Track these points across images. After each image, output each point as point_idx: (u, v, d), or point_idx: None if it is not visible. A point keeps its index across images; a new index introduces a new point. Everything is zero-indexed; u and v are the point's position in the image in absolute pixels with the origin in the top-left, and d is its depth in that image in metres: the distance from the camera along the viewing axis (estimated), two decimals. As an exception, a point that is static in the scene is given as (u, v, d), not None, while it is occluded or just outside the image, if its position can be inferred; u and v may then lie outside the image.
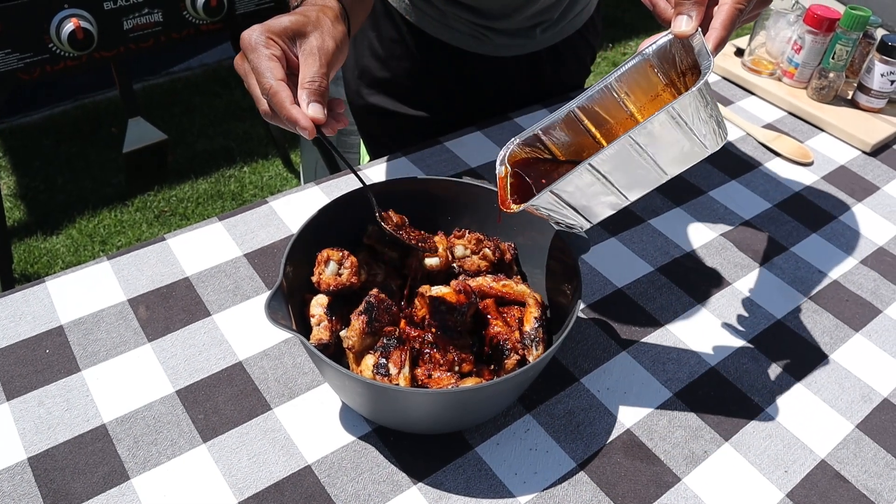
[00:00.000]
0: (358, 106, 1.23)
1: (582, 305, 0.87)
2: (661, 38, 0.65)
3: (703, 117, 0.58)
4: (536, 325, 0.70)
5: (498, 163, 0.69)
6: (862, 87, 1.30)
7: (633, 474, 0.70)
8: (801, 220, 1.06)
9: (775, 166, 1.17)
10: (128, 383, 0.74)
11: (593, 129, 0.69)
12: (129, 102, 1.64)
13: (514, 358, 0.69)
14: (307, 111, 0.63)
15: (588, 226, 0.66)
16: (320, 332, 0.70)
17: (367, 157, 1.33)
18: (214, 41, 3.18)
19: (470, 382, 0.66)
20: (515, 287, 0.75)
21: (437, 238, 0.78)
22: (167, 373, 0.76)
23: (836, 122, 1.26)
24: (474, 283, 0.75)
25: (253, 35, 0.65)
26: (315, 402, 0.74)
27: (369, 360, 0.68)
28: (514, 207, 0.64)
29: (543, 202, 0.62)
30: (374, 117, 1.22)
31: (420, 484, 0.68)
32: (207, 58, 3.20)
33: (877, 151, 1.24)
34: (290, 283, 0.70)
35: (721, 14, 0.61)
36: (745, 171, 1.15)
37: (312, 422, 0.72)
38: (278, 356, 0.78)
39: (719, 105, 0.62)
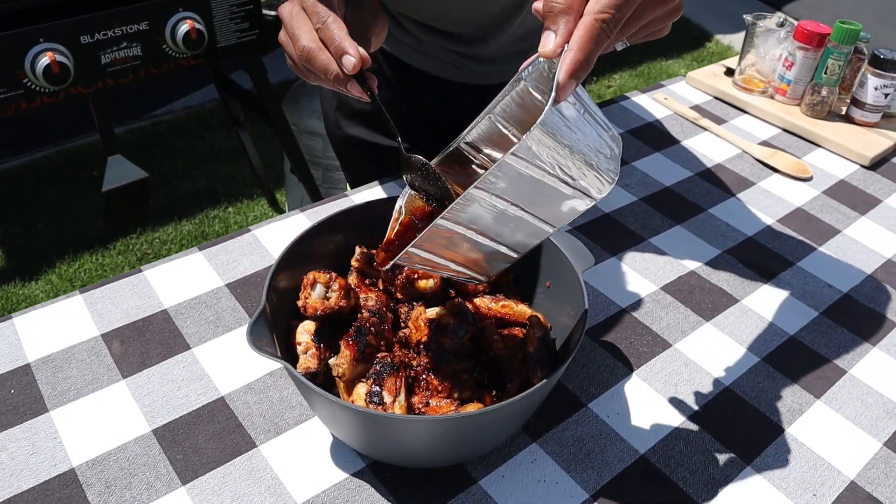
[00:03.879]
0: (337, 138, 1.19)
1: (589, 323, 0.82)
2: (537, 58, 0.57)
3: (562, 161, 0.49)
4: (541, 346, 0.65)
5: (395, 208, 0.64)
6: (856, 102, 1.28)
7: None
8: (805, 235, 1.02)
9: (774, 182, 1.14)
10: (100, 423, 0.68)
11: (488, 166, 0.63)
12: (108, 140, 1.59)
13: (518, 382, 0.64)
14: (357, 50, 0.60)
15: (484, 280, 0.60)
16: (308, 361, 0.64)
17: None
18: (196, 83, 3.16)
19: (471, 409, 0.61)
20: (516, 307, 0.71)
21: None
22: (143, 411, 0.70)
23: (833, 136, 1.24)
24: (471, 304, 0.70)
25: None
26: (304, 437, 0.68)
27: (361, 389, 0.62)
28: (384, 266, 0.59)
29: (412, 259, 0.56)
30: (355, 149, 1.18)
31: (420, 523, 0.62)
32: (190, 101, 3.18)
33: (875, 165, 1.22)
34: (274, 309, 0.65)
35: (578, 30, 0.49)
36: (744, 188, 1.12)
37: (301, 459, 0.67)
38: (263, 390, 0.73)
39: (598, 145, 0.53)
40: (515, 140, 0.61)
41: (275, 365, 0.75)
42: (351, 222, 0.74)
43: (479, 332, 0.68)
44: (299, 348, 0.65)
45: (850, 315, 0.89)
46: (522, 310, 0.70)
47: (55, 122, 2.79)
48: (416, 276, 0.71)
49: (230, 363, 0.75)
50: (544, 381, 0.58)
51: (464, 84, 1.10)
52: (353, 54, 0.60)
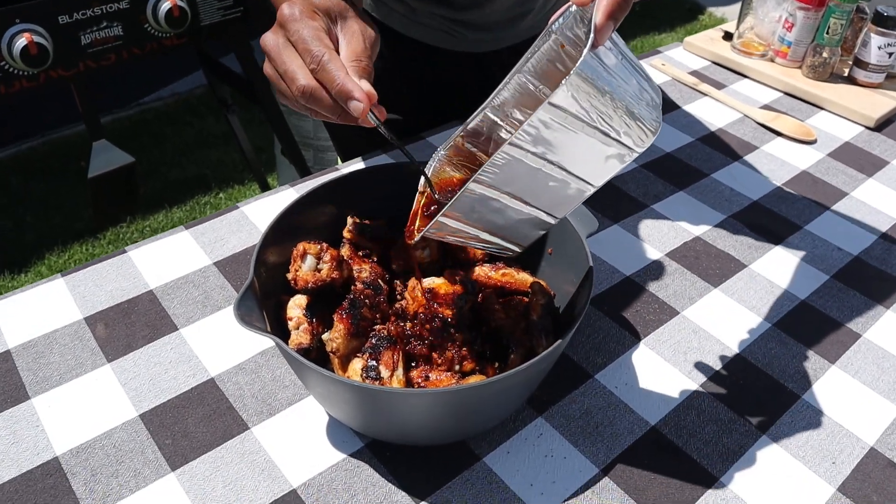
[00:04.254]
0: None
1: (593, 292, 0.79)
2: (567, 8, 0.54)
3: (603, 109, 0.46)
4: (544, 314, 0.62)
5: (420, 182, 0.61)
6: (859, 63, 1.25)
7: (663, 477, 0.62)
8: (811, 199, 0.99)
9: (777, 146, 1.11)
10: (84, 410, 0.65)
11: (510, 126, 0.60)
12: (92, 125, 1.55)
13: (522, 352, 0.61)
14: (360, 84, 0.56)
15: (518, 250, 0.57)
16: (300, 336, 0.61)
17: None
18: (183, 68, 3.11)
19: (475, 380, 0.58)
20: (517, 275, 0.67)
21: (425, 227, 0.70)
22: (129, 395, 0.67)
23: (836, 98, 1.20)
24: (471, 273, 0.67)
25: (294, 8, 0.58)
26: (298, 417, 0.65)
27: (357, 364, 0.59)
28: (414, 237, 0.55)
29: (442, 228, 0.52)
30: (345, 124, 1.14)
31: (423, 503, 0.59)
32: (178, 87, 3.13)
33: (880, 127, 1.18)
34: (263, 283, 0.62)
35: None
36: (747, 152, 1.09)
37: (296, 440, 0.63)
38: (255, 370, 0.69)
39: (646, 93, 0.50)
40: (543, 98, 0.57)
41: (266, 344, 0.72)
42: (342, 192, 0.71)
43: (480, 301, 0.65)
44: (290, 324, 0.62)
45: (862, 278, 0.86)
46: (524, 278, 0.67)
47: (41, 112, 2.74)
48: (412, 245, 0.68)
49: (220, 343, 0.72)
50: (550, 348, 0.54)
51: (458, 53, 1.06)
52: (360, 98, 0.55)
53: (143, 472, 0.61)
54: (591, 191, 0.51)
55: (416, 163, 0.60)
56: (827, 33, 1.22)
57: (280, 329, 0.64)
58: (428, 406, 0.54)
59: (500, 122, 0.61)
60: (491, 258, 0.70)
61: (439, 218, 0.51)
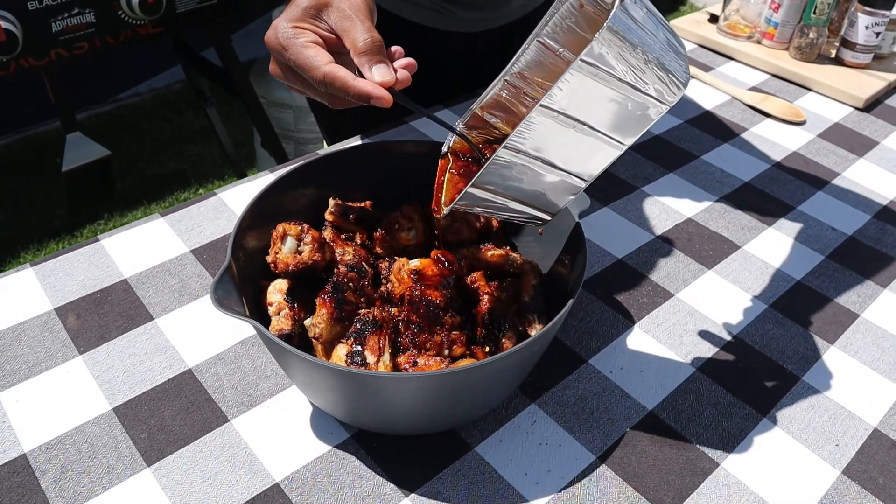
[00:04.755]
0: None
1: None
2: None
3: (635, 63, 0.46)
4: (536, 294, 0.59)
5: (441, 153, 0.59)
6: (846, 43, 1.23)
7: (663, 463, 0.60)
8: (803, 179, 0.98)
9: (766, 127, 1.09)
10: (54, 404, 0.62)
11: (536, 94, 0.58)
12: (66, 117, 1.51)
13: (513, 335, 0.58)
14: (374, 77, 0.56)
15: (548, 218, 0.55)
16: (281, 322, 0.58)
17: None
18: (161, 63, 3.05)
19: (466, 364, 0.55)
20: (507, 256, 0.65)
21: (410, 208, 0.67)
22: (102, 388, 0.63)
23: (825, 79, 1.19)
24: (459, 254, 0.64)
25: (278, 33, 0.58)
26: (280, 408, 0.62)
27: (341, 351, 0.56)
28: (442, 211, 0.54)
29: (472, 199, 0.51)
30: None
31: (413, 495, 0.56)
32: (155, 83, 3.07)
33: (868, 107, 1.17)
34: (241, 268, 0.59)
35: None
36: (736, 133, 1.07)
37: (278, 432, 0.60)
38: (234, 360, 0.66)
39: (675, 47, 0.49)
40: (568, 62, 0.56)
41: (246, 332, 0.69)
42: (324, 172, 0.68)
43: (469, 284, 0.62)
44: (271, 309, 0.59)
45: (857, 258, 0.84)
46: (514, 258, 0.64)
47: (14, 107, 2.67)
48: (396, 226, 0.65)
49: (197, 333, 0.69)
50: (545, 328, 0.52)
51: (448, 33, 1.03)
52: (378, 95, 0.55)
53: (116, 467, 0.57)
54: (622, 150, 0.51)
55: (450, 127, 0.59)
56: (814, 13, 1.20)
57: (260, 315, 0.61)
58: (417, 391, 0.52)
59: (521, 88, 0.59)
60: (480, 238, 0.67)
61: (469, 189, 0.50)
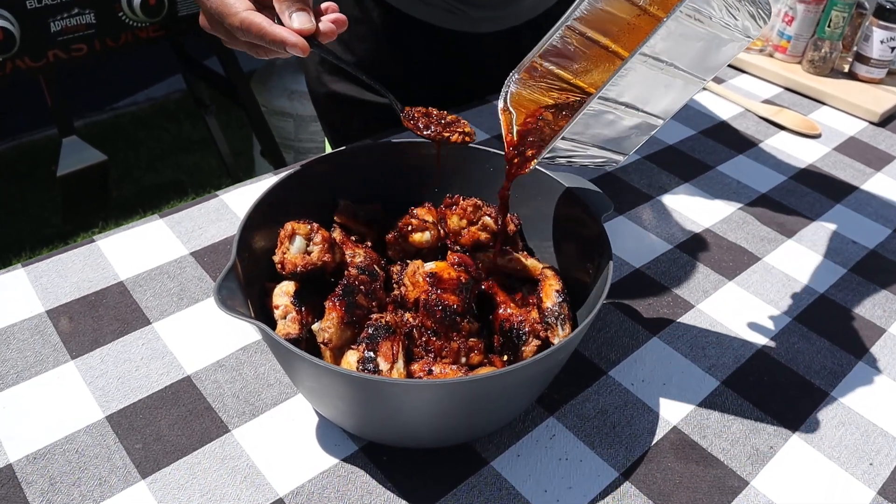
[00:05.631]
0: (320, 95, 1.09)
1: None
2: None
3: (731, 1, 0.47)
4: (560, 300, 0.56)
5: (500, 107, 0.56)
6: (860, 58, 1.22)
7: (689, 481, 0.56)
8: (820, 192, 0.95)
9: (781, 140, 1.07)
10: (44, 411, 0.58)
11: (602, 39, 0.57)
12: (63, 120, 1.48)
13: (535, 343, 0.55)
14: (292, 24, 0.56)
15: (623, 160, 0.55)
16: (287, 326, 0.55)
17: None
18: (160, 72, 3.02)
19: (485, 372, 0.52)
20: (524, 261, 0.62)
21: (423, 210, 0.64)
22: (95, 395, 0.60)
23: (839, 93, 1.17)
24: (476, 258, 0.61)
25: None
26: (284, 418, 0.59)
27: (352, 357, 0.53)
28: (529, 166, 0.52)
29: (558, 151, 0.51)
30: (338, 107, 1.08)
31: (425, 512, 0.53)
32: (154, 92, 3.05)
33: (883, 122, 1.15)
34: (246, 268, 0.55)
35: None
36: (751, 145, 1.04)
37: (282, 444, 0.57)
38: (236, 366, 0.63)
39: None
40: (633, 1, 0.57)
41: (248, 338, 0.65)
42: (333, 172, 0.65)
43: (485, 289, 0.59)
44: (277, 313, 0.56)
45: (880, 271, 0.81)
46: (532, 263, 0.61)
47: (10, 115, 2.64)
48: (409, 228, 0.62)
49: (197, 338, 0.65)
50: (571, 334, 0.49)
51: (460, 33, 1.01)
52: (294, 41, 0.55)
53: (109, 479, 0.54)
54: (701, 87, 0.53)
55: (398, 106, 0.60)
56: (828, 27, 1.18)
57: (265, 319, 0.58)
58: (434, 402, 0.48)
59: (584, 33, 0.58)
60: (494, 243, 0.64)
61: (557, 143, 0.51)
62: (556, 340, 0.55)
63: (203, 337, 0.65)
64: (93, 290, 0.69)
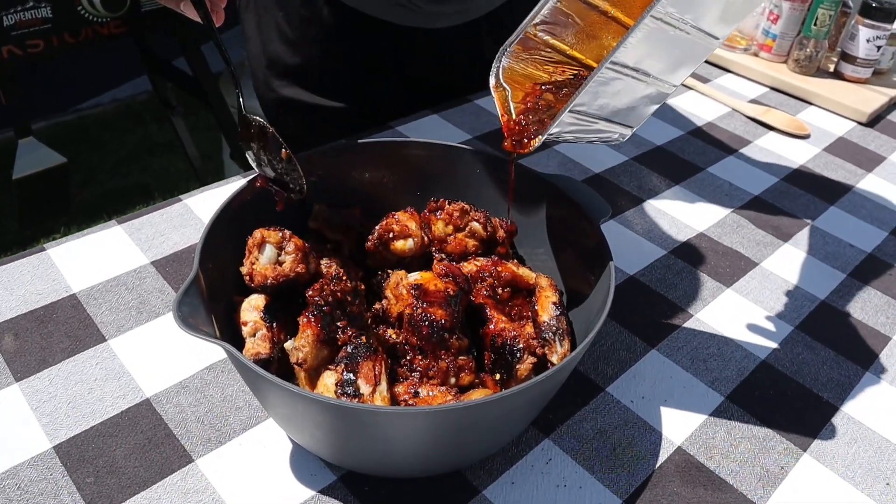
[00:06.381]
0: (269, 100, 1.02)
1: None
2: None
3: None
4: (557, 314, 0.51)
5: (492, 83, 0.52)
6: (846, 57, 1.19)
7: (698, 508, 0.52)
8: (814, 194, 0.92)
9: (771, 140, 1.04)
10: (-18, 441, 0.52)
11: (601, 4, 0.53)
12: (19, 121, 1.40)
13: (530, 360, 0.50)
14: None
15: (630, 133, 0.52)
16: (257, 345, 0.49)
17: None
18: (125, 73, 2.93)
19: (478, 395, 0.47)
20: (517, 270, 0.57)
21: (405, 215, 0.59)
22: (42, 422, 0.54)
23: (826, 93, 1.14)
24: (463, 269, 0.56)
25: None
26: (254, 445, 0.53)
27: (329, 379, 0.48)
28: (534, 142, 0.47)
29: (564, 126, 0.47)
30: (289, 113, 1.01)
31: (411, 548, 0.48)
32: (119, 93, 2.96)
33: (871, 122, 1.12)
34: (210, 280, 0.50)
35: None
36: (741, 146, 1.01)
37: (252, 474, 0.51)
38: (201, 388, 0.57)
39: None
40: None
41: (215, 357, 0.60)
42: (307, 174, 0.59)
43: (475, 301, 0.54)
44: (245, 329, 0.50)
45: (880, 276, 0.78)
46: (525, 273, 0.57)
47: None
48: (390, 235, 0.57)
49: (157, 357, 0.59)
50: (572, 353, 0.44)
51: (412, 28, 0.95)
52: None
53: (55, 519, 0.48)
54: (716, 46, 0.49)
55: (230, 64, 0.57)
56: (815, 25, 1.16)
57: (232, 337, 0.52)
58: (423, 429, 0.43)
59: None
60: (486, 251, 0.59)
61: (563, 117, 0.46)
62: (553, 358, 0.50)
63: (164, 355, 0.60)
64: (41, 304, 0.63)
